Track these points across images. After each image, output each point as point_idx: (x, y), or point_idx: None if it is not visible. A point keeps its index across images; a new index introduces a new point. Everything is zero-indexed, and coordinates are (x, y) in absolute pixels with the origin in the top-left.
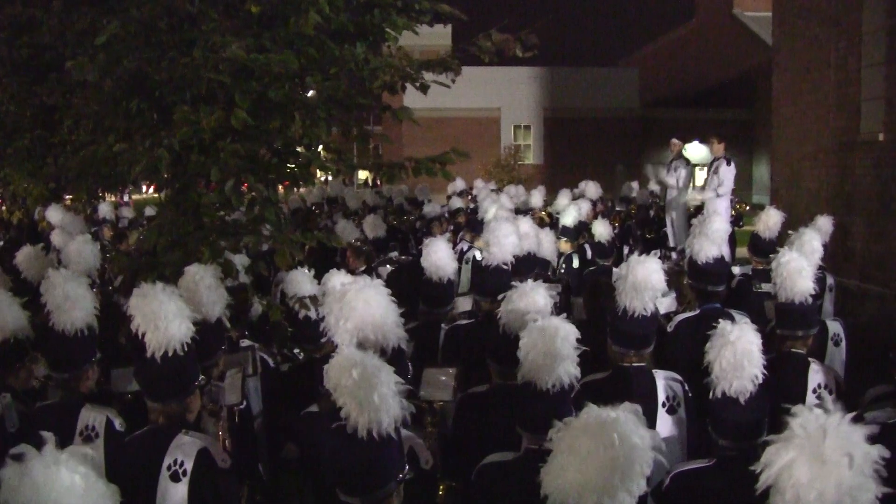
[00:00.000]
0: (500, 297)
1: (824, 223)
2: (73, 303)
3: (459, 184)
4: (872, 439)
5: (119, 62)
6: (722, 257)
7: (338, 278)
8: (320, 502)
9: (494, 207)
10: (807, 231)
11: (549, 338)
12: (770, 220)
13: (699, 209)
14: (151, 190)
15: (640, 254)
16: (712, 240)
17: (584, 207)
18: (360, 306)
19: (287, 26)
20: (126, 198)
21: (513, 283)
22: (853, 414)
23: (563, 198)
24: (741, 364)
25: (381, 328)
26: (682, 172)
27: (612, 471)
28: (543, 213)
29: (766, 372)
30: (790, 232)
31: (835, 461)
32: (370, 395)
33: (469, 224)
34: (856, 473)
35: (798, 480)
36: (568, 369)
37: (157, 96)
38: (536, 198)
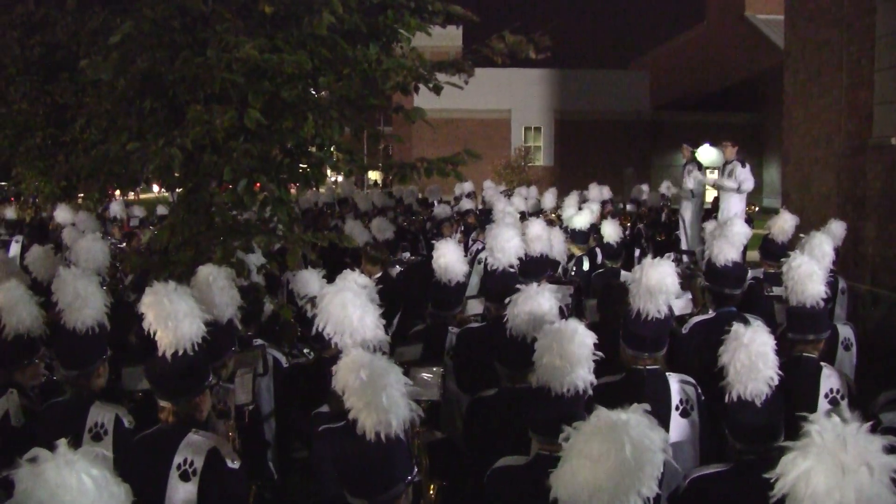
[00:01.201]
0: (506, 300)
1: (837, 228)
2: (83, 301)
3: (468, 185)
4: (890, 449)
5: (132, 61)
6: (740, 261)
7: (352, 278)
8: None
9: (502, 207)
10: (817, 235)
11: (566, 341)
12: (785, 224)
13: (711, 212)
14: (163, 190)
15: (653, 257)
16: (732, 243)
17: (595, 210)
18: (336, 310)
19: (300, 27)
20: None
21: (518, 285)
22: (871, 423)
23: (571, 201)
24: (756, 366)
25: (358, 332)
26: (699, 175)
27: (622, 474)
28: (553, 215)
29: (781, 374)
30: (801, 235)
31: (854, 470)
32: (378, 396)
33: (483, 225)
34: (875, 483)
35: (815, 490)
36: (583, 374)
37: (170, 96)
38: (549, 199)
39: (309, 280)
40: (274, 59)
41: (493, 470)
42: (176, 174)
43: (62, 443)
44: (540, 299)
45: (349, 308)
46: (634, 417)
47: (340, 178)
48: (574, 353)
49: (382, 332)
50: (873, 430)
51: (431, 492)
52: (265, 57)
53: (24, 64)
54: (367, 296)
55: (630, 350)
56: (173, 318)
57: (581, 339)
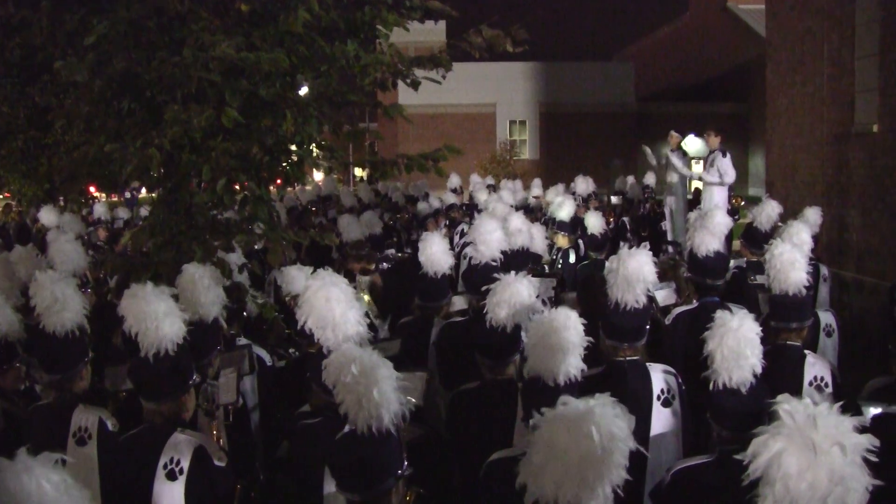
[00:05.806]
0: (483, 288)
1: (813, 215)
2: (62, 304)
3: (455, 180)
4: (861, 429)
5: (109, 62)
6: (722, 251)
7: (329, 276)
8: (311, 500)
9: (491, 204)
10: (794, 223)
11: (557, 330)
12: (772, 212)
13: (694, 202)
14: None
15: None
16: (713, 233)
17: (577, 202)
18: (319, 304)
19: (277, 24)
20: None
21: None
22: (841, 403)
23: (553, 194)
24: (743, 353)
25: (340, 327)
26: (680, 167)
27: (590, 463)
28: (540, 200)
29: (764, 362)
30: (779, 224)
31: (825, 451)
32: (370, 391)
33: (471, 219)
34: (847, 463)
35: (788, 471)
36: (575, 362)
37: (147, 96)
38: (535, 189)
39: (296, 277)
40: (251, 57)
41: (489, 463)
42: (154, 174)
43: (21, 450)
44: (518, 287)
45: (332, 303)
46: (599, 405)
47: (323, 176)
48: (567, 341)
49: (365, 329)
50: (852, 413)
51: (409, 498)
52: (242, 55)
53: (3, 67)
54: (352, 292)
55: (610, 341)
56: (153, 318)
57: (574, 327)
